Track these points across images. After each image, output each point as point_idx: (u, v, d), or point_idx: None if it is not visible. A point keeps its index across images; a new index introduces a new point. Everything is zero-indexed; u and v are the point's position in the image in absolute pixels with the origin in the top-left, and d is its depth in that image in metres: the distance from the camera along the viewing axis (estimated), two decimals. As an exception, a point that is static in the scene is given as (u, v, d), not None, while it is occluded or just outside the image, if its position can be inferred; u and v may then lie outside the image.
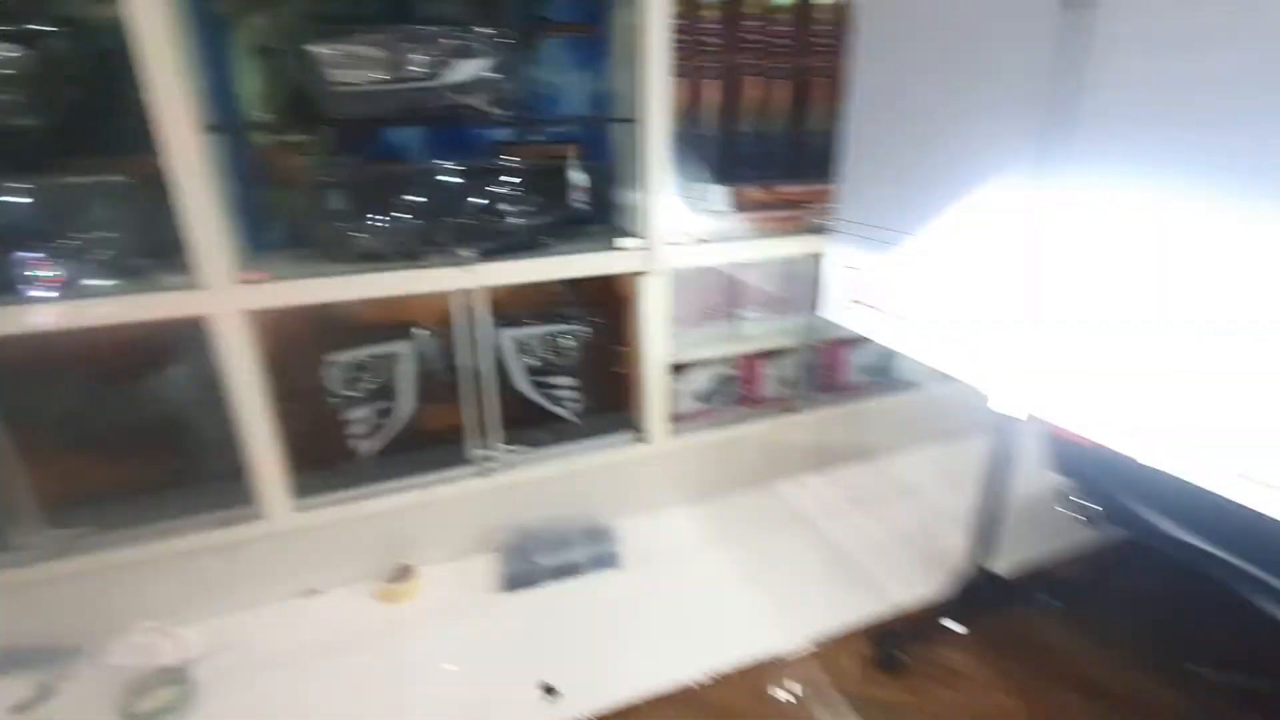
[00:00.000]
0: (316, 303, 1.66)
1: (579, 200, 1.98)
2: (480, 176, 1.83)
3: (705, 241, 2.04)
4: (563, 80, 2.03)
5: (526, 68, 1.90)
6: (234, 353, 1.61)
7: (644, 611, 1.84)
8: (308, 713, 1.56)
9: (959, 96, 1.41)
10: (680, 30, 1.83)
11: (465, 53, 1.73)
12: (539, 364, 2.12)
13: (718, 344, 2.31)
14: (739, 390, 2.38)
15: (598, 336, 2.17)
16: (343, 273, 1.67)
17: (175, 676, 1.61)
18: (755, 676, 1.64)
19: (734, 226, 2.09)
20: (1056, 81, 1.18)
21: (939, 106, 1.47)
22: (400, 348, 1.98)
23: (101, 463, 1.85)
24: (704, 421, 2.32)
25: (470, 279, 1.79)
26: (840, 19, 2.08)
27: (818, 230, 2.05)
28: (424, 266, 1.74)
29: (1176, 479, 1.05)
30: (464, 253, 1.78)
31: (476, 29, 1.72)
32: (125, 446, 1.85)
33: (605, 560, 2.00)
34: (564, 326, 2.13)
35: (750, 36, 2.07)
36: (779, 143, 2.24)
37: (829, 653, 1.69)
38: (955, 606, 1.75)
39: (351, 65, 1.63)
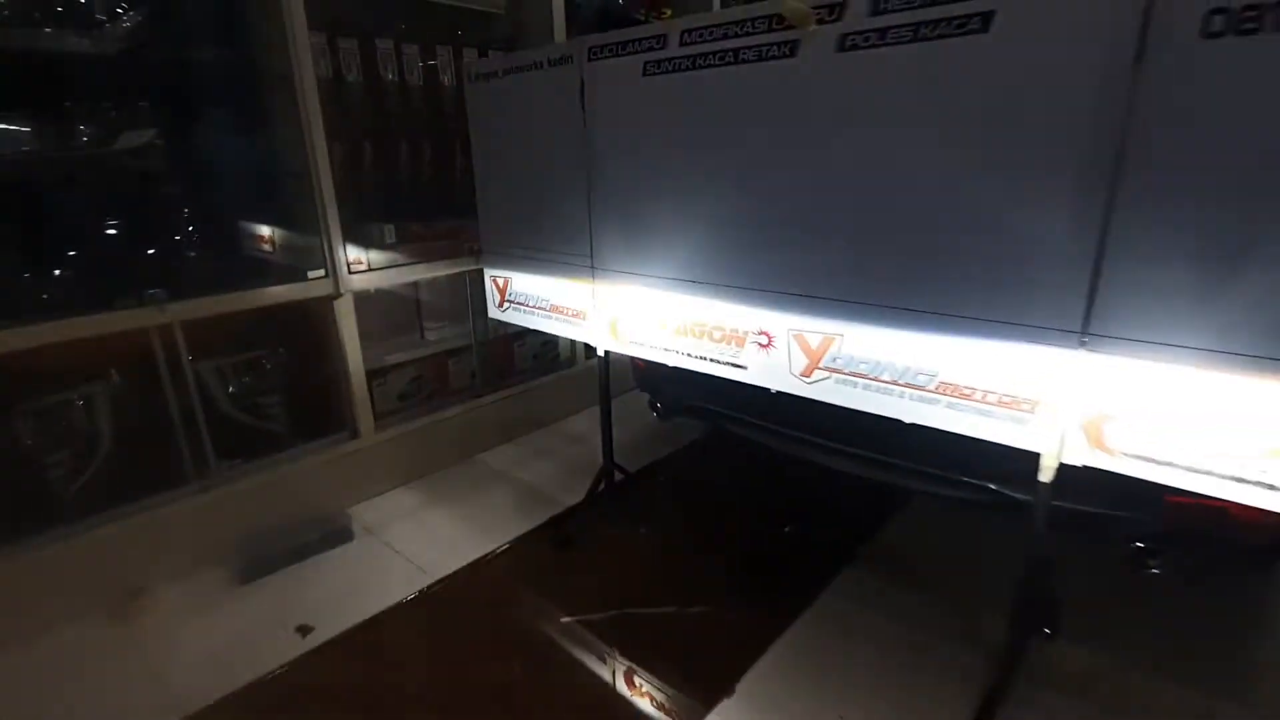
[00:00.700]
0: None
1: (257, 245, 2.36)
2: (159, 227, 2.11)
3: (381, 269, 2.57)
4: (233, 144, 2.38)
5: (196, 135, 2.23)
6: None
7: (379, 561, 2.28)
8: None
9: (535, 158, 2.19)
10: (330, 101, 2.35)
11: (132, 124, 2.02)
12: (244, 386, 2.41)
13: (408, 350, 2.84)
14: (431, 386, 2.93)
15: (300, 355, 2.54)
16: (21, 324, 1.81)
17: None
18: (470, 571, 2.20)
19: (403, 256, 2.65)
20: (586, 147, 2.00)
21: (525, 163, 2.24)
22: (97, 388, 2.12)
23: None
24: (405, 415, 2.82)
25: (164, 317, 2.06)
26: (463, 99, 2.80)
27: (472, 253, 2.72)
28: (116, 309, 1.97)
29: (704, 375, 1.87)
30: (154, 292, 2.05)
31: (140, 104, 2.03)
32: None
33: (338, 536, 2.37)
34: (264, 351, 2.46)
35: (391, 107, 2.68)
36: (431, 187, 2.88)
37: (523, 544, 2.34)
38: (600, 496, 2.52)
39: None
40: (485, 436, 3.06)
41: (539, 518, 2.46)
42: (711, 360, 1.86)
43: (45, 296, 1.89)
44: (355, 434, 2.61)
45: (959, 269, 1.37)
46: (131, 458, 2.18)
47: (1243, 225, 1.07)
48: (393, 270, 2.63)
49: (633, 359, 2.24)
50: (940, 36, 1.27)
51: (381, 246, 2.62)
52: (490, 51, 2.93)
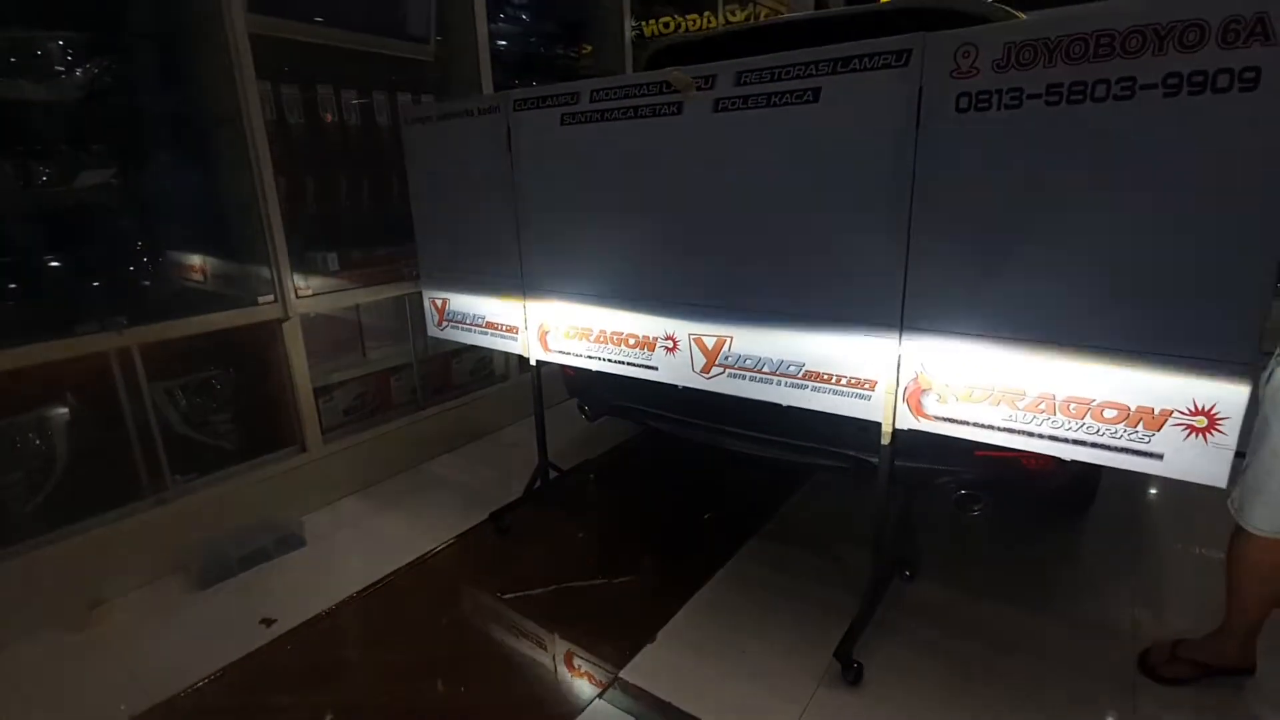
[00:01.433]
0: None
1: (208, 274, 2.55)
2: (116, 258, 2.29)
3: (326, 294, 2.79)
4: (186, 181, 2.57)
5: (151, 173, 2.41)
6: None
7: (332, 561, 2.48)
8: None
9: (464, 192, 2.49)
10: (275, 141, 2.57)
11: (90, 163, 2.20)
12: (197, 405, 2.58)
13: (351, 369, 3.05)
14: (374, 401, 3.14)
15: (251, 375, 2.72)
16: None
17: None
18: (419, 563, 2.44)
19: (345, 281, 2.88)
20: (514, 183, 2.31)
21: (459, 196, 2.53)
22: (53, 410, 2.25)
23: None
24: (351, 429, 3.02)
25: (123, 341, 2.23)
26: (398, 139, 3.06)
27: (410, 277, 2.98)
28: (78, 334, 2.13)
29: (624, 377, 2.18)
30: (115, 319, 2.22)
31: (98, 145, 2.21)
32: None
33: (291, 542, 2.55)
34: (216, 372, 2.63)
35: (332, 145, 2.92)
36: (371, 218, 3.12)
37: (466, 538, 2.60)
38: (537, 491, 2.80)
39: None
40: (428, 447, 3.28)
41: (480, 515, 2.71)
42: (628, 364, 2.19)
43: (7, 323, 2.03)
44: (304, 448, 2.80)
45: (811, 281, 1.76)
46: (89, 475, 2.31)
47: (992, 244, 1.48)
48: (337, 294, 2.85)
49: (562, 367, 2.54)
50: (785, 104, 1.67)
51: (325, 273, 2.84)
52: (422, 95, 3.21)
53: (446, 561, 2.48)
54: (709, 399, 2.04)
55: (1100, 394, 1.43)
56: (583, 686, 1.86)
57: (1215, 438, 1.34)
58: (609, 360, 2.24)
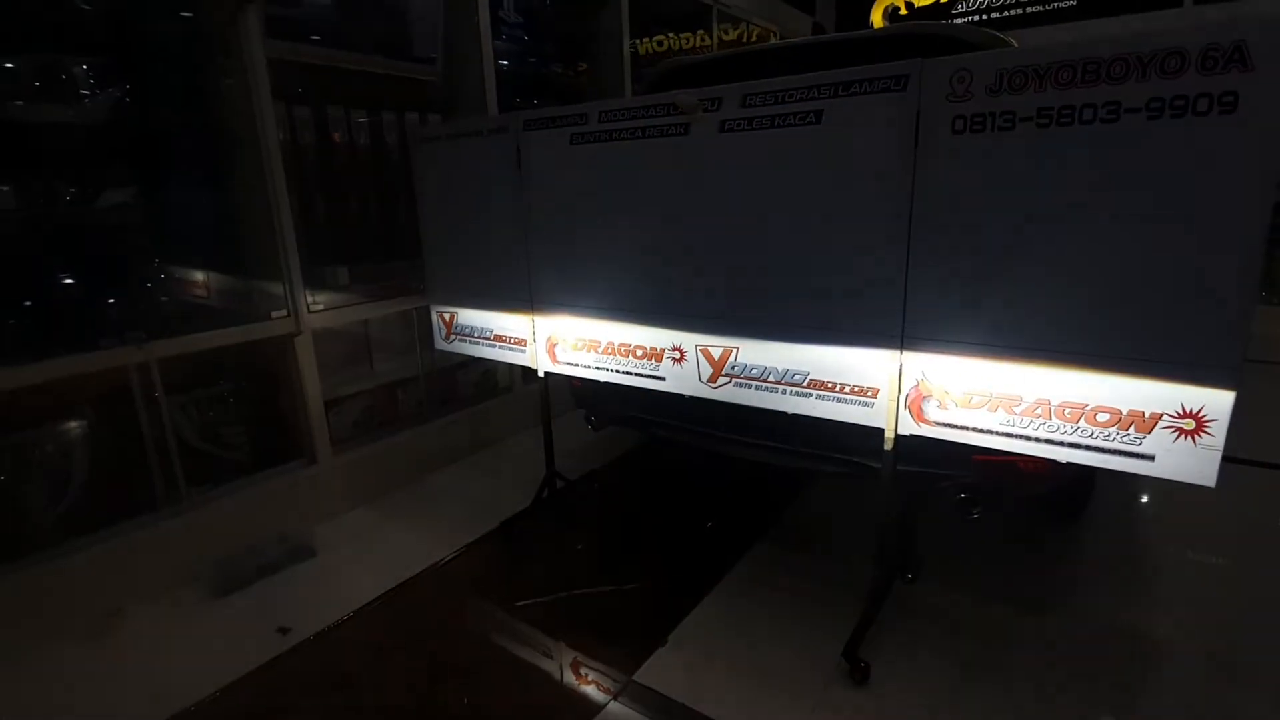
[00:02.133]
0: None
1: (224, 289, 2.61)
2: (136, 274, 2.34)
3: (336, 308, 2.85)
4: (203, 200, 2.63)
5: (170, 192, 2.47)
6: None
7: (343, 571, 2.51)
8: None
9: (473, 209, 2.56)
10: (288, 160, 2.63)
11: (112, 183, 2.26)
12: (210, 418, 2.62)
13: (360, 382, 3.10)
14: (382, 414, 3.19)
15: (263, 389, 2.76)
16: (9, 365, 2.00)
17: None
18: (430, 572, 2.48)
19: (356, 296, 2.94)
20: (523, 201, 2.38)
21: (468, 213, 2.60)
22: (72, 424, 2.30)
23: None
24: (359, 441, 3.06)
25: (142, 355, 2.28)
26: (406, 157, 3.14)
27: (418, 291, 3.04)
28: (100, 349, 2.18)
29: (631, 387, 2.24)
30: (134, 334, 2.27)
31: (119, 166, 2.27)
32: None
33: (302, 553, 2.59)
34: (229, 385, 2.68)
35: (342, 164, 2.99)
36: (380, 234, 3.19)
37: (475, 547, 2.64)
38: (544, 501, 2.85)
39: None
40: (435, 458, 3.32)
41: (489, 524, 2.75)
42: (635, 374, 2.25)
43: (30, 338, 2.08)
44: (314, 460, 2.84)
45: (815, 293, 1.83)
46: (107, 487, 2.35)
47: (989, 258, 1.56)
48: (347, 309, 2.91)
49: (569, 379, 2.60)
50: (789, 125, 1.75)
51: (336, 288, 2.90)
52: (429, 115, 3.29)
53: (457, 571, 2.52)
54: (714, 408, 2.11)
55: (1093, 399, 1.50)
56: (596, 691, 1.90)
57: (1203, 439, 1.42)
58: (617, 371, 2.31)
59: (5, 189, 2.15)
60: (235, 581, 2.40)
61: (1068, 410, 1.54)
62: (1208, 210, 1.32)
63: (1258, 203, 1.28)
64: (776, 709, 1.79)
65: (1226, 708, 1.74)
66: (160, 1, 2.49)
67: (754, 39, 5.81)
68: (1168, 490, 2.62)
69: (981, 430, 1.67)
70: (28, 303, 2.17)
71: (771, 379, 1.97)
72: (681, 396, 2.16)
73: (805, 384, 1.92)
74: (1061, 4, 5.99)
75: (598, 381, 2.37)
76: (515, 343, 2.62)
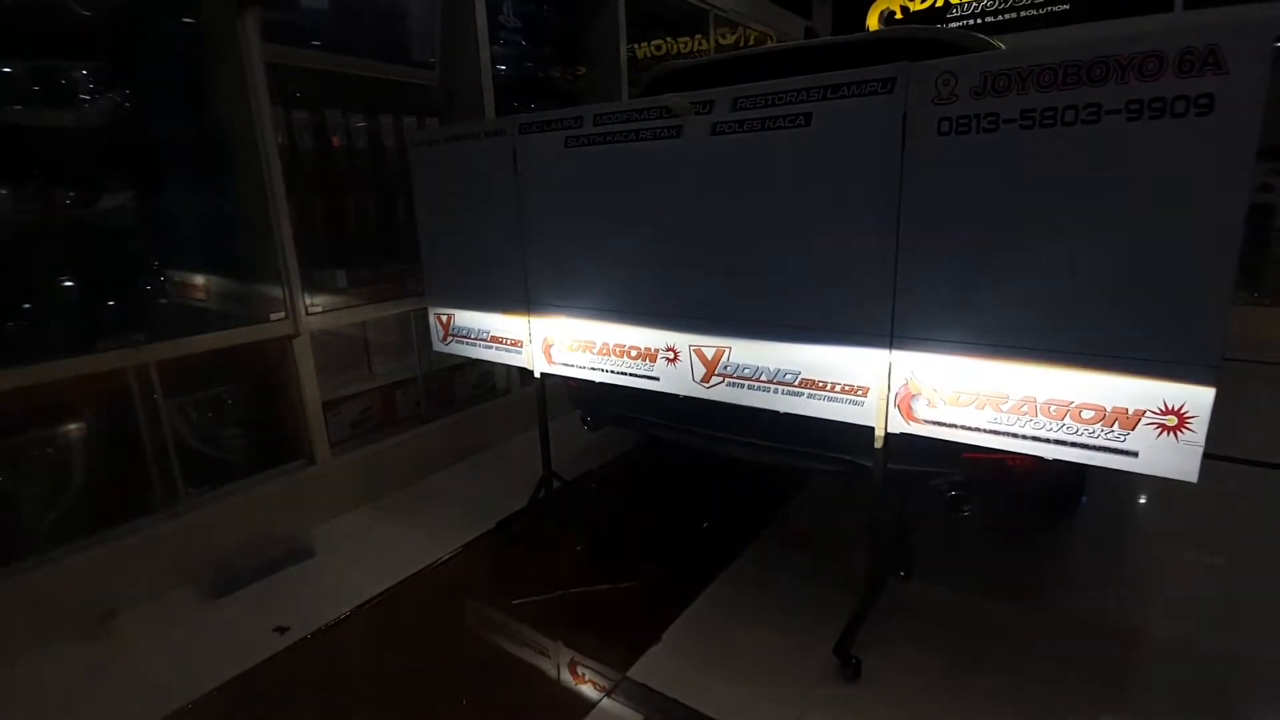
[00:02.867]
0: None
1: (222, 291, 2.63)
2: (135, 277, 2.36)
3: (335, 310, 2.87)
4: (201, 202, 2.66)
5: (169, 195, 2.50)
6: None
7: (342, 571, 2.53)
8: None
9: (470, 211, 2.59)
10: (286, 164, 2.66)
11: (111, 186, 2.29)
12: (209, 420, 2.64)
13: (358, 383, 3.13)
14: (380, 415, 3.21)
15: (261, 390, 2.79)
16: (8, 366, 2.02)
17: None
18: (428, 571, 2.50)
19: (354, 298, 2.97)
20: (519, 203, 2.41)
21: (465, 215, 2.63)
22: (71, 425, 2.32)
23: None
24: (358, 442, 3.09)
25: (141, 357, 2.30)
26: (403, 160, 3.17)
27: (416, 294, 3.06)
28: (99, 351, 2.20)
29: (626, 387, 2.27)
30: (134, 336, 2.29)
31: (119, 169, 2.29)
32: None
33: (301, 553, 2.61)
34: (228, 387, 2.70)
35: (340, 166, 3.01)
36: (378, 236, 3.21)
37: (473, 546, 2.66)
38: (541, 500, 2.87)
39: None
40: (433, 459, 3.34)
41: (486, 524, 2.77)
42: (630, 375, 2.28)
43: (30, 341, 2.10)
44: (312, 461, 2.86)
45: (806, 294, 1.86)
46: (105, 488, 2.37)
47: (975, 258, 1.59)
48: (345, 311, 2.93)
49: (565, 380, 2.62)
50: (780, 127, 1.77)
51: (334, 290, 2.92)
52: (426, 118, 3.32)
53: (454, 570, 2.54)
54: (708, 407, 2.13)
55: (1078, 396, 1.53)
56: (591, 687, 1.92)
57: (1185, 435, 1.44)
58: (612, 372, 2.33)
59: (4, 192, 2.17)
60: (233, 582, 2.42)
61: (1053, 408, 1.56)
62: (1185, 210, 1.35)
63: (1233, 203, 1.30)
64: (768, 704, 1.80)
65: (1219, 703, 1.76)
66: (159, 6, 2.52)
67: (751, 42, 5.85)
68: (1159, 487, 2.65)
69: (970, 428, 1.70)
70: (26, 305, 2.20)
71: (764, 378, 2.00)
72: (676, 396, 2.18)
73: (797, 383, 1.94)
74: (1055, 8, 6.04)
75: (593, 382, 2.39)
76: (512, 344, 2.64)
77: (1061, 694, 1.79)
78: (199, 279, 2.71)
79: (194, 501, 2.52)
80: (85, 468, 2.35)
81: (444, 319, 2.88)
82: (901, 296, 1.70)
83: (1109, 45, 1.34)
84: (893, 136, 1.61)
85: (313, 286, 2.81)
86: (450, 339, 2.89)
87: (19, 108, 2.11)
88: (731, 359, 2.04)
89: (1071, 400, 1.54)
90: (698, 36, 5.30)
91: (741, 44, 5.75)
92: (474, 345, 2.79)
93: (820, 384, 1.90)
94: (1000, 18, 6.28)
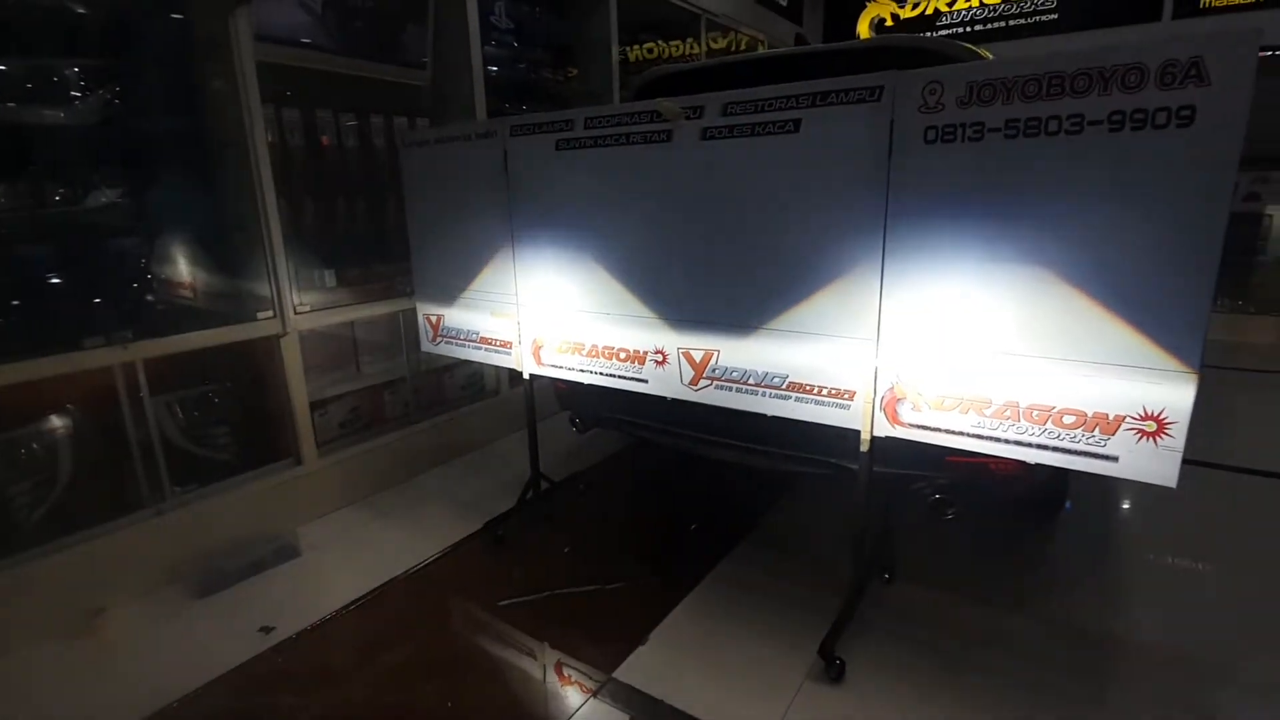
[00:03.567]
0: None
1: (210, 290, 2.62)
2: (123, 274, 2.35)
3: (323, 309, 2.86)
4: (190, 200, 2.64)
5: (158, 193, 2.49)
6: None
7: (328, 571, 2.52)
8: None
9: (460, 212, 2.59)
10: (276, 163, 2.65)
11: (100, 184, 2.27)
12: (196, 418, 2.63)
13: (346, 383, 3.12)
14: (368, 415, 3.20)
15: (249, 389, 2.77)
16: None
17: None
18: (414, 572, 2.49)
19: (343, 297, 2.96)
20: (509, 205, 2.41)
21: (455, 216, 2.63)
22: (58, 423, 2.30)
23: None
24: (346, 442, 3.08)
25: (128, 355, 2.29)
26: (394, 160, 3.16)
27: (406, 294, 3.06)
28: (86, 348, 2.18)
29: (614, 390, 2.27)
30: (121, 333, 2.27)
31: (108, 166, 2.28)
32: None
33: (286, 553, 2.60)
34: (215, 386, 2.68)
35: (330, 166, 3.01)
36: (368, 236, 3.21)
37: (460, 547, 2.66)
38: (529, 502, 2.87)
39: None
40: (421, 460, 3.34)
41: (474, 525, 2.77)
42: (619, 377, 2.29)
43: (17, 337, 2.08)
44: (299, 460, 2.85)
45: (795, 298, 1.87)
46: (91, 486, 2.35)
47: (960, 265, 1.60)
48: (334, 311, 2.92)
49: (554, 382, 2.63)
50: (769, 133, 1.79)
51: (323, 290, 2.91)
52: (418, 119, 3.32)
53: (441, 571, 2.54)
54: (695, 410, 2.14)
55: (1060, 401, 1.55)
56: (577, 689, 1.92)
57: (1165, 441, 1.47)
58: (600, 374, 2.34)
59: (-6, 187, 2.15)
60: (219, 581, 2.41)
61: (1035, 412, 1.58)
62: (1167, 221, 1.37)
63: (1214, 214, 1.33)
64: (752, 704, 1.82)
65: (1199, 706, 1.78)
66: (152, 4, 2.51)
67: (743, 47, 5.88)
68: (1141, 492, 2.69)
69: (953, 432, 1.72)
70: (15, 301, 2.18)
71: (751, 381, 2.01)
72: (664, 399, 2.19)
73: (784, 386, 1.96)
74: (1043, 18, 6.10)
75: (582, 384, 2.40)
76: (501, 345, 2.65)
77: (1042, 696, 1.81)
78: (187, 277, 2.69)
79: (180, 500, 2.51)
80: (72, 465, 2.33)
81: (433, 319, 2.88)
82: (888, 301, 1.72)
83: (1092, 57, 1.37)
84: (880, 144, 1.64)
85: (301, 286, 2.80)
86: (440, 339, 2.89)
87: (11, 105, 2.09)
88: (720, 362, 2.05)
89: (1053, 405, 1.56)
90: (689, 40, 5.31)
91: (733, 49, 5.78)
92: (463, 346, 2.79)
93: (808, 387, 1.92)
94: (989, 26, 6.34)
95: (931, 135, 1.57)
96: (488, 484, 3.20)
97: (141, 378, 2.36)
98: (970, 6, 6.41)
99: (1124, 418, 1.49)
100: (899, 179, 1.63)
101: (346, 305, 2.98)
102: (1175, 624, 2.10)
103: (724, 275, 1.98)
